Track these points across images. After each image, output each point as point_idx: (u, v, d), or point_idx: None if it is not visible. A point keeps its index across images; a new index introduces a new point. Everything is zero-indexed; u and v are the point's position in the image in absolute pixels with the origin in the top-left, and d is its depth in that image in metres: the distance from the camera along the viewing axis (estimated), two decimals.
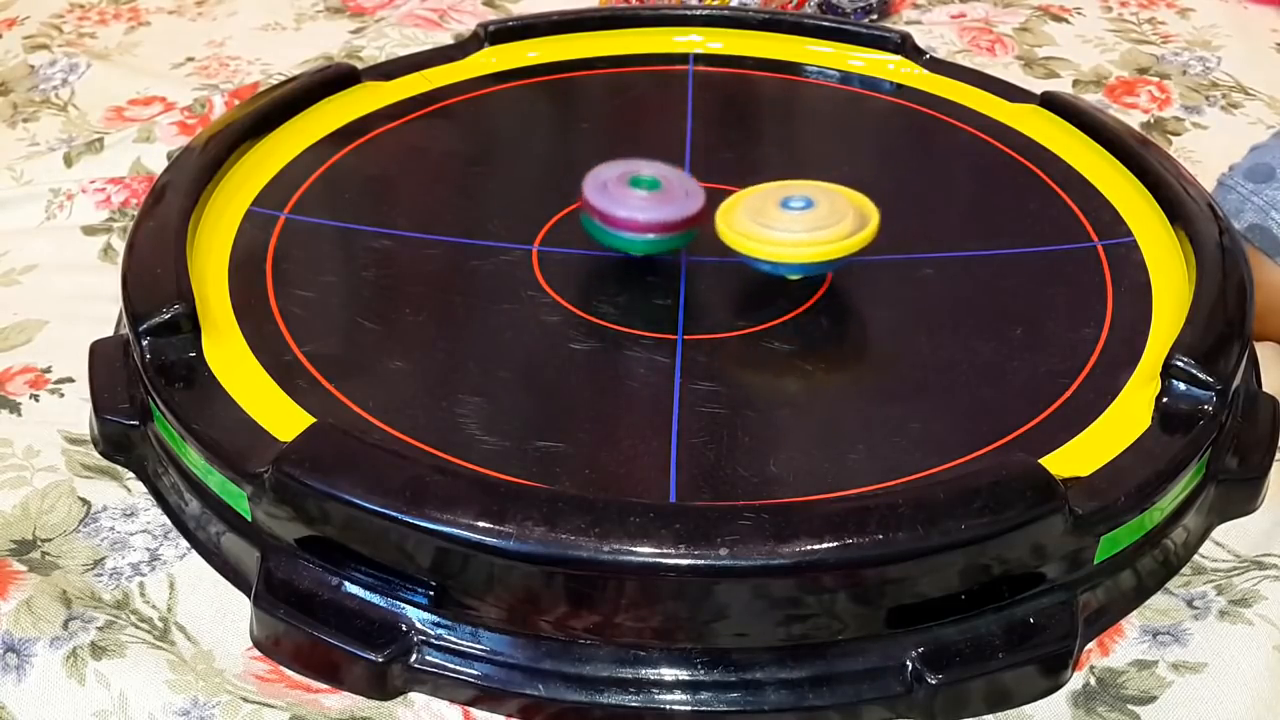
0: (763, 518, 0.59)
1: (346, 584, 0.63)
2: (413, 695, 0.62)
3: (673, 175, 0.77)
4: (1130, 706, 0.61)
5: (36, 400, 0.76)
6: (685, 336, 0.73)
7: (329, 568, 0.63)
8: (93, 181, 0.94)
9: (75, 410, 0.75)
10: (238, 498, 0.64)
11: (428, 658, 0.61)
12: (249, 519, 0.64)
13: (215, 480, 0.65)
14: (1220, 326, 0.70)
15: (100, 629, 0.63)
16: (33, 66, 1.09)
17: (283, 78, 1.04)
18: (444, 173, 0.88)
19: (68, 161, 0.96)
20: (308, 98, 0.90)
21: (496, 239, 0.80)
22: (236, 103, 1.01)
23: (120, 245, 0.87)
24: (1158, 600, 0.66)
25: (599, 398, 0.71)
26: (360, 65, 0.97)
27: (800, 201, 0.74)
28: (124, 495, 0.71)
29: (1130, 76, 1.10)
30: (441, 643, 0.61)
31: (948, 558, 0.60)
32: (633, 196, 0.75)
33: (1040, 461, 0.63)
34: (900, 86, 0.96)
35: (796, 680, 0.61)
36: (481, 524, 0.58)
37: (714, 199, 0.78)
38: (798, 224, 0.73)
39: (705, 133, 0.91)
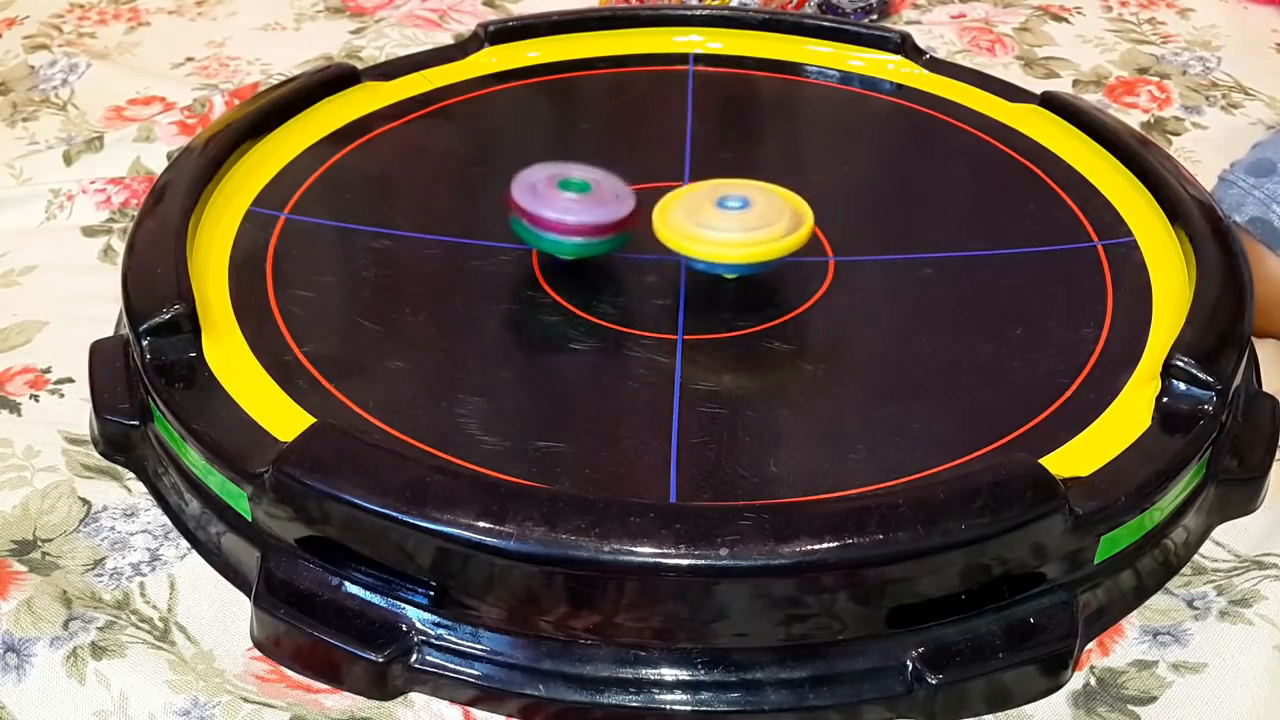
0: (763, 518, 0.59)
1: (347, 584, 0.63)
2: (413, 695, 0.62)
3: (603, 178, 0.76)
4: (1130, 706, 0.61)
5: (36, 400, 0.76)
6: (685, 336, 0.73)
7: (329, 568, 0.63)
8: (93, 182, 0.94)
9: (75, 410, 0.75)
10: (238, 498, 0.64)
11: (428, 658, 0.61)
12: (249, 519, 0.64)
13: (215, 480, 0.65)
14: (1220, 326, 0.70)
15: (100, 629, 0.63)
16: (33, 66, 1.09)
17: (283, 78, 1.04)
18: (444, 173, 0.88)
19: (67, 161, 0.96)
20: (308, 98, 0.90)
21: (496, 239, 0.80)
22: (236, 103, 1.01)
23: (120, 245, 0.87)
24: (1158, 600, 0.66)
25: (599, 398, 0.71)
26: (360, 65, 0.97)
27: (736, 201, 0.74)
28: (124, 495, 0.71)
29: (1130, 76, 1.10)
30: (442, 643, 0.61)
31: (948, 558, 0.60)
32: (561, 199, 0.74)
33: (1040, 461, 0.63)
34: (900, 86, 0.96)
35: (797, 680, 0.61)
36: (482, 524, 0.59)
37: None
38: (734, 224, 0.73)
39: (705, 133, 0.91)
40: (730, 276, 0.76)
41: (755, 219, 0.73)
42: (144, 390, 0.69)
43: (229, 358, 0.69)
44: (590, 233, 0.75)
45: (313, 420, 0.65)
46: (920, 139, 0.93)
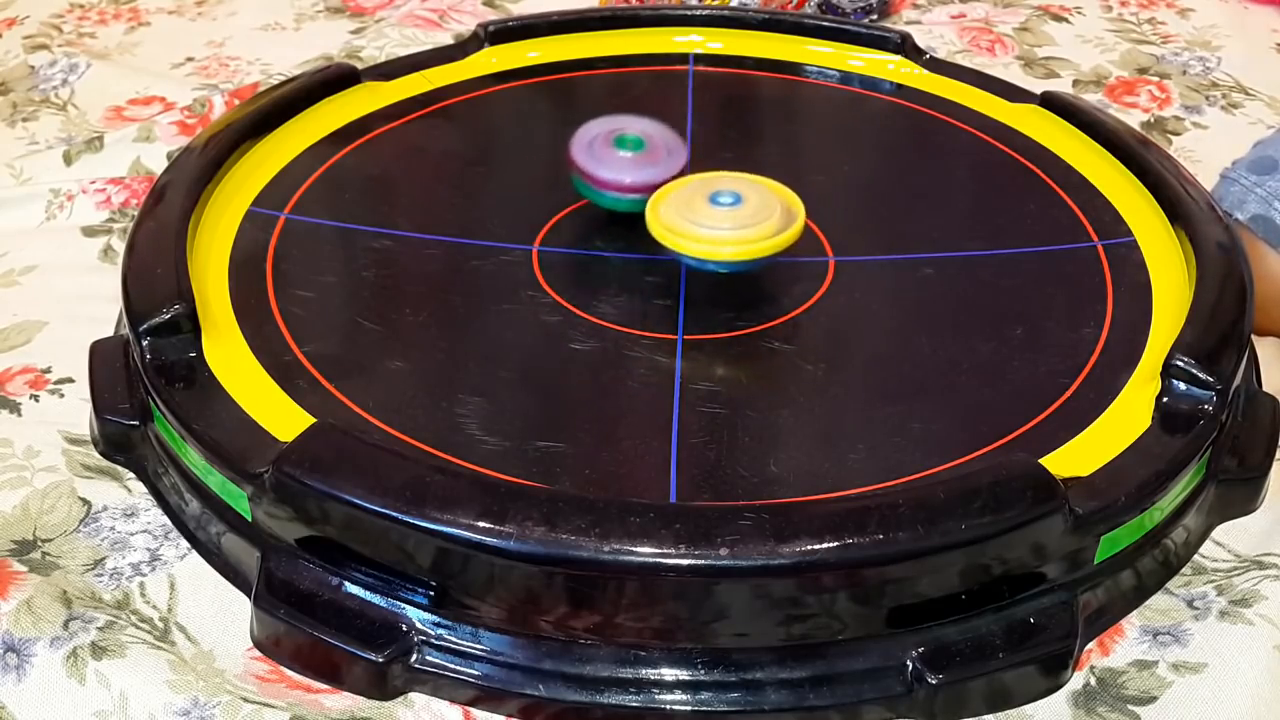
0: (763, 518, 0.59)
1: (347, 584, 0.63)
2: (413, 695, 0.62)
3: (656, 132, 0.80)
4: (1130, 706, 0.61)
5: (36, 400, 0.76)
6: (685, 336, 0.73)
7: (329, 568, 0.63)
8: (93, 182, 0.94)
9: (75, 410, 0.75)
10: (238, 498, 0.64)
11: (428, 658, 0.61)
12: (249, 519, 0.64)
13: (215, 480, 0.65)
14: (1220, 326, 0.70)
15: (100, 629, 0.63)
16: (33, 66, 1.09)
17: (283, 78, 1.04)
18: (444, 173, 0.88)
19: (67, 161, 0.96)
20: (308, 98, 0.90)
21: (496, 239, 0.80)
22: (236, 103, 1.01)
23: (120, 245, 0.87)
24: (1158, 600, 0.66)
25: (599, 398, 0.71)
26: (360, 65, 0.97)
27: (729, 197, 0.74)
28: (124, 495, 0.71)
29: (1130, 76, 1.10)
30: (442, 643, 0.61)
31: (948, 558, 0.60)
32: (616, 158, 0.78)
33: (1040, 461, 0.63)
34: (900, 86, 0.96)
35: (797, 680, 0.61)
36: (481, 524, 0.59)
37: None
38: (725, 220, 0.73)
39: (705, 133, 0.91)
40: (723, 272, 0.76)
41: (747, 215, 0.73)
42: (144, 390, 0.69)
43: (229, 358, 0.69)
44: (644, 190, 0.78)
45: (313, 420, 0.65)
46: (920, 139, 0.93)
